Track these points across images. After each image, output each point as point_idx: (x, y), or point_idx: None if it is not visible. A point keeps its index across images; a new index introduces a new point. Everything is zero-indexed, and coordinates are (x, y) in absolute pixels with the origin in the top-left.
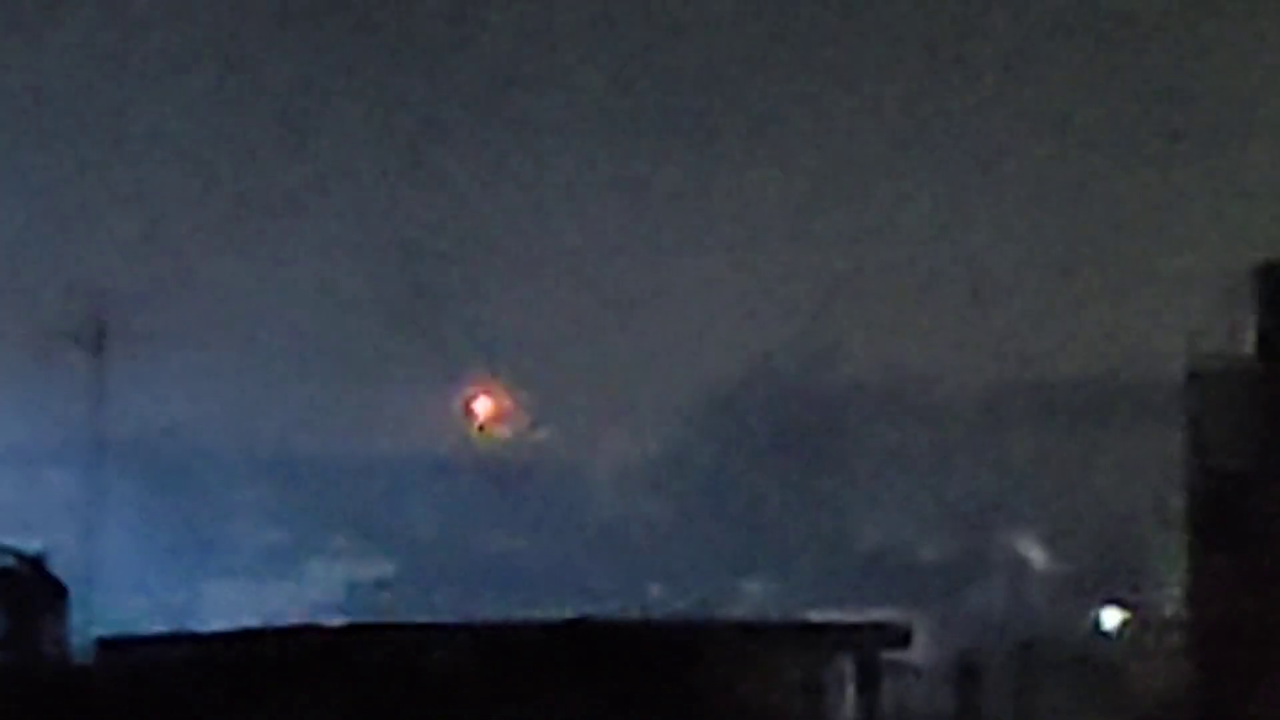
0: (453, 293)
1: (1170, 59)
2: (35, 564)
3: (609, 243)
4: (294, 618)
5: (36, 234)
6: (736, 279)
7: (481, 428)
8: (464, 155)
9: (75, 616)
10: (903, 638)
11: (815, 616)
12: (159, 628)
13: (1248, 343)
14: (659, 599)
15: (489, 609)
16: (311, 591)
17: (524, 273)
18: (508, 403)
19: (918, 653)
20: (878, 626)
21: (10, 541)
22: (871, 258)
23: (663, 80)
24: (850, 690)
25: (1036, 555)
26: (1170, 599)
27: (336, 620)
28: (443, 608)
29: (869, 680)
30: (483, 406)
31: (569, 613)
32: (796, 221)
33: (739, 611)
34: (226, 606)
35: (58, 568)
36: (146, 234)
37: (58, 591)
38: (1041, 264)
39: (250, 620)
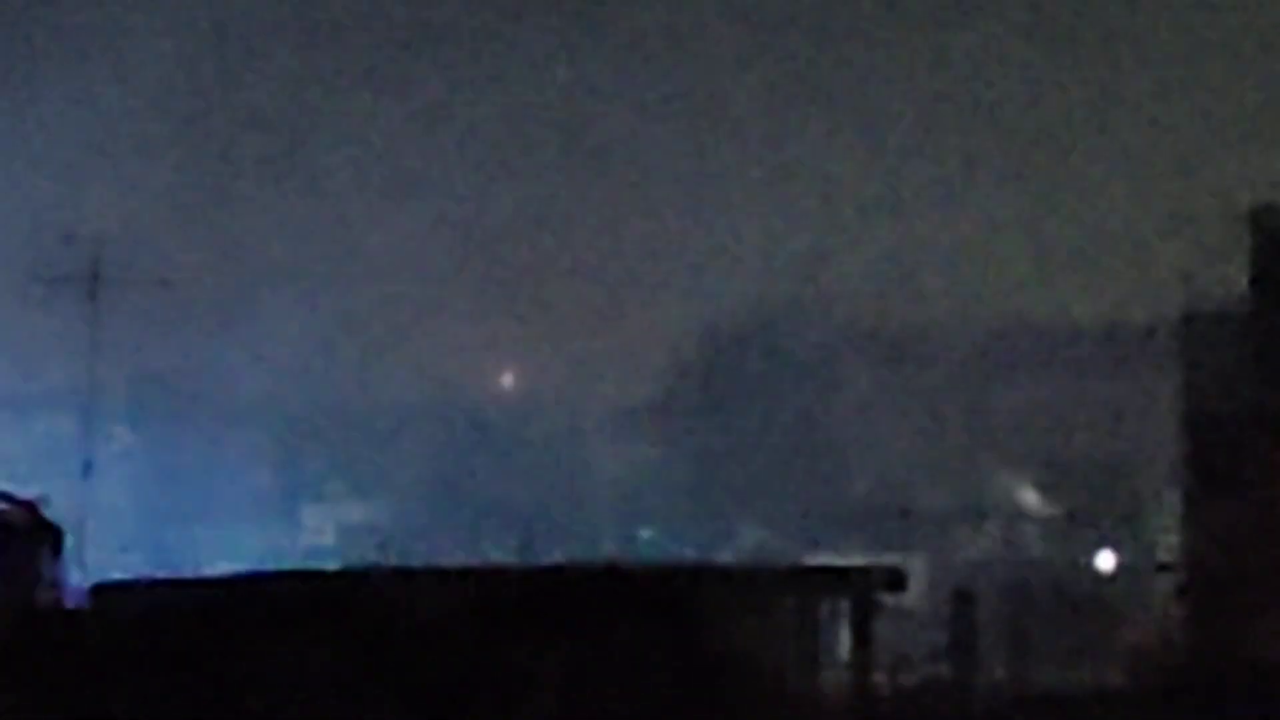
0: (449, 238)
1: (1162, 7)
2: (30, 509)
3: (601, 187)
4: (288, 563)
5: (31, 178)
6: (730, 224)
7: (479, 371)
8: (469, 100)
9: (70, 561)
10: (898, 581)
11: (810, 560)
12: (154, 572)
13: (1242, 286)
14: (653, 543)
15: (481, 554)
16: (306, 536)
17: (515, 214)
18: (501, 348)
19: (913, 596)
20: (873, 570)
21: (5, 487)
22: (864, 204)
23: (665, 28)
24: (845, 634)
25: (1031, 499)
26: (1165, 542)
27: (330, 565)
28: (436, 552)
29: (864, 624)
30: (476, 353)
31: (562, 557)
32: (790, 167)
33: (733, 555)
34: (222, 551)
35: (53, 512)
36: (142, 178)
37: (53, 536)
38: (1035, 207)
39: (245, 565)
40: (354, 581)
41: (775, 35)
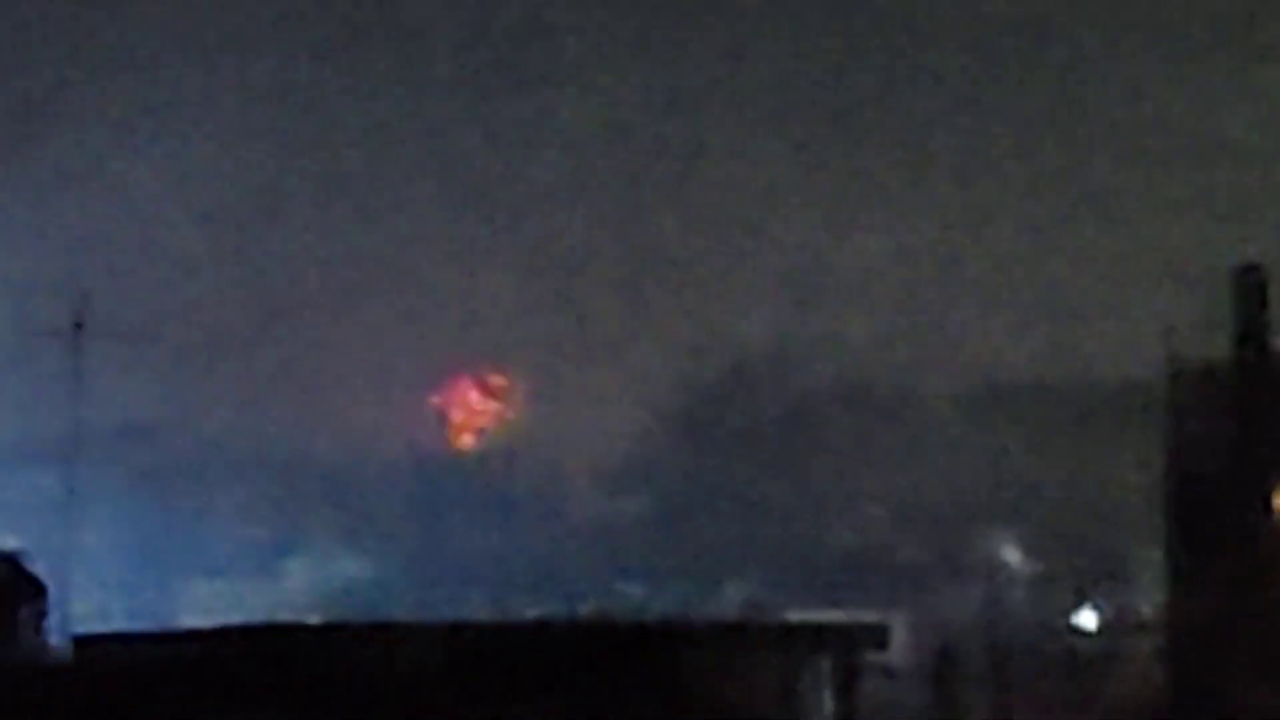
0: (431, 293)
1: (1152, 64)
2: (12, 562)
3: (585, 244)
4: (271, 616)
5: (15, 230)
6: (715, 279)
7: (460, 428)
8: (425, 154)
9: (52, 614)
10: (881, 638)
11: (793, 617)
12: (136, 626)
13: (1225, 344)
14: (637, 599)
15: (466, 608)
16: (289, 590)
17: (501, 272)
18: (486, 402)
19: (896, 653)
20: (856, 627)
21: None
22: (850, 258)
23: (647, 79)
24: (828, 691)
25: (1014, 556)
26: (1147, 599)
27: (313, 619)
28: (420, 607)
29: (847, 681)
30: (461, 406)
31: (547, 612)
32: (775, 222)
33: (717, 612)
34: (204, 605)
35: (35, 565)
36: (125, 230)
37: (35, 589)
38: (1021, 264)
39: (227, 619)
40: (335, 636)
41: (762, 88)
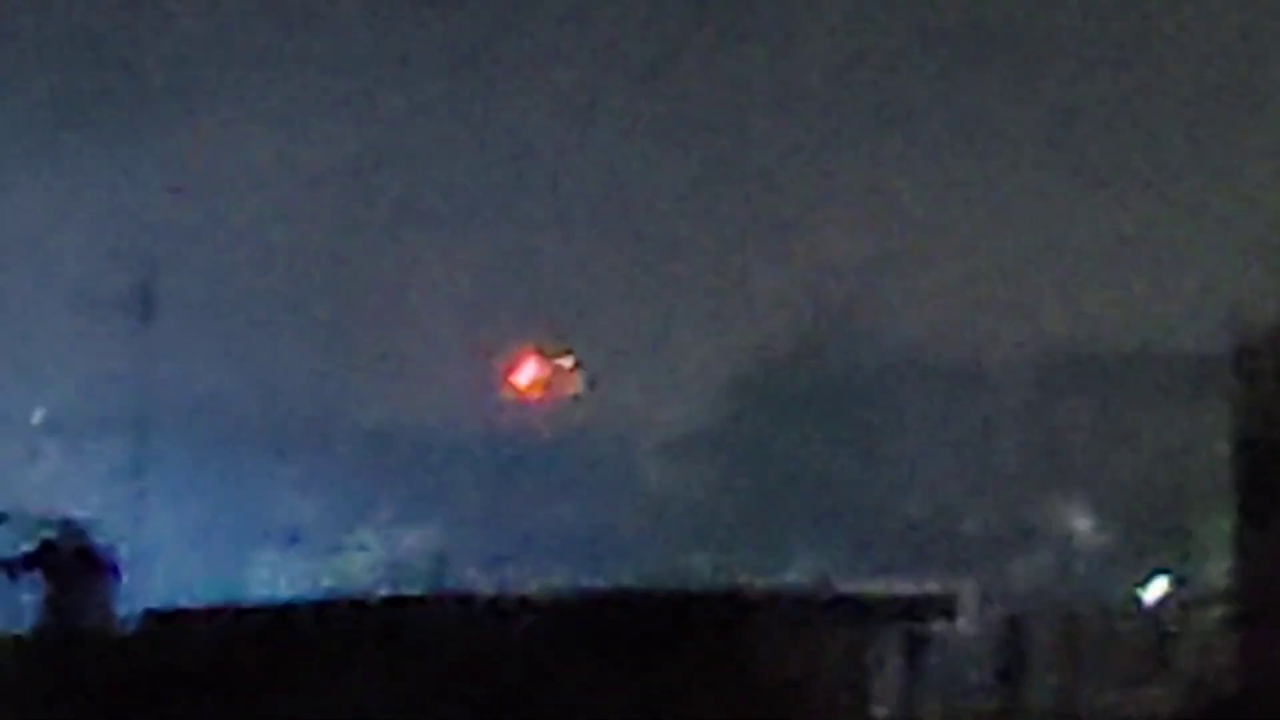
0: (495, 260)
1: (1216, 27)
2: (81, 534)
3: (652, 211)
4: (340, 589)
5: (84, 201)
6: (783, 248)
7: (525, 396)
8: (491, 128)
9: (121, 587)
10: (948, 609)
11: (860, 587)
12: (205, 598)
13: None
14: (704, 569)
15: (533, 579)
16: (357, 562)
17: (567, 239)
18: (552, 371)
19: (963, 624)
20: (923, 597)
21: (57, 511)
22: (917, 228)
23: (707, 56)
24: (895, 661)
25: (1082, 527)
26: (1216, 571)
27: (382, 591)
28: (487, 578)
29: (914, 651)
30: (527, 375)
31: (614, 582)
32: (842, 191)
33: (784, 581)
34: (273, 577)
35: (104, 538)
36: (195, 202)
37: (104, 561)
38: (1088, 234)
39: (296, 592)
40: (405, 608)
41: (826, 56)
